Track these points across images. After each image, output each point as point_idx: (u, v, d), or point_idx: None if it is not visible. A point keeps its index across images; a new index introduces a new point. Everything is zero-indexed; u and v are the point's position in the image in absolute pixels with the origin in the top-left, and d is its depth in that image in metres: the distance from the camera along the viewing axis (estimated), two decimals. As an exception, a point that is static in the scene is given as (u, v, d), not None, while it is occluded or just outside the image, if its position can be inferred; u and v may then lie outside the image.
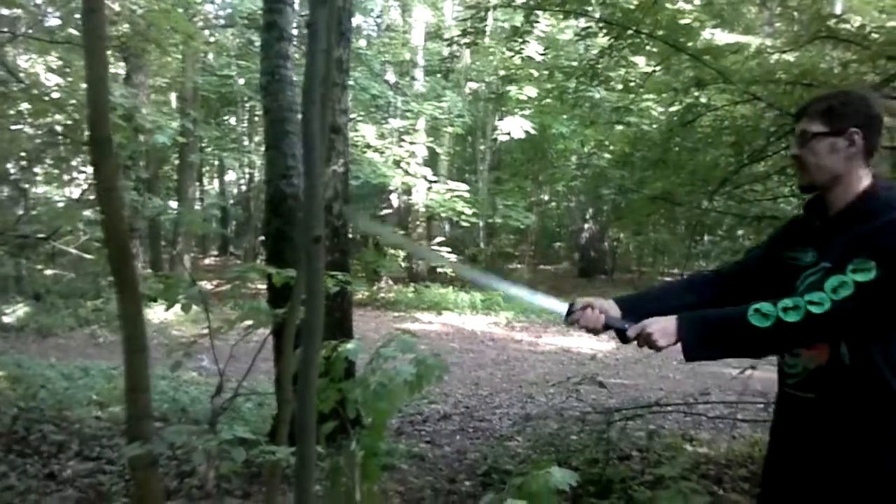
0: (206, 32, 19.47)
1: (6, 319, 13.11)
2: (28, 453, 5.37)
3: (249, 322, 4.13)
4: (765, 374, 6.97)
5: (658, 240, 19.52)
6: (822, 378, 2.12)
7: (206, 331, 4.15)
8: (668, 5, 6.58)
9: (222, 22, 21.35)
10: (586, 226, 24.39)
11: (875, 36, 5.40)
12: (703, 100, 6.72)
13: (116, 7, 9.61)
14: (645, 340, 2.18)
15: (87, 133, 3.20)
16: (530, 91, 17.37)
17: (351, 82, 17.47)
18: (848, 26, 5.77)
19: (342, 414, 3.56)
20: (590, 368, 9.65)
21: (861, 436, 2.07)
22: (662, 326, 2.15)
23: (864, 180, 2.17)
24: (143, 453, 2.99)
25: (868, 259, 1.97)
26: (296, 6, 6.76)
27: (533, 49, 14.13)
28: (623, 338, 2.28)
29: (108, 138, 3.11)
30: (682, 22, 6.60)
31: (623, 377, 10.10)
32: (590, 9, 6.48)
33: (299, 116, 6.55)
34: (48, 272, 15.68)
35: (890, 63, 5.36)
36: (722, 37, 8.33)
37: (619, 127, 10.38)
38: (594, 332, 2.32)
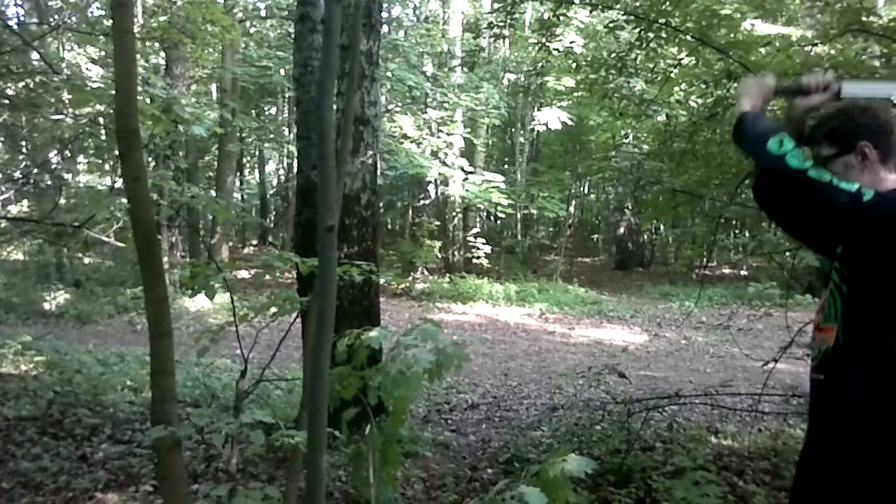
0: (246, 24, 19.67)
1: (47, 306, 13.43)
2: (62, 436, 5.55)
3: (274, 309, 4.24)
4: (791, 366, 6.98)
5: (696, 232, 19.45)
6: (830, 359, 2.19)
7: (232, 319, 4.28)
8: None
9: (262, 13, 21.56)
10: (624, 218, 24.27)
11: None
12: (733, 92, 6.69)
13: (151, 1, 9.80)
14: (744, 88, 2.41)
15: (115, 125, 3.32)
16: (568, 82, 17.33)
17: (389, 74, 17.63)
18: (881, 20, 5.72)
19: (364, 401, 3.65)
20: (621, 360, 9.67)
21: (856, 423, 2.10)
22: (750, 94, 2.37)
23: (890, 182, 2.19)
24: (167, 435, 3.09)
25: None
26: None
27: (571, 40, 14.12)
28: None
29: (135, 130, 3.22)
30: (723, 13, 6.55)
31: (654, 370, 10.10)
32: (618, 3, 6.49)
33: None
34: (87, 260, 16.03)
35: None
36: (763, 28, 8.22)
37: (651, 119, 10.35)
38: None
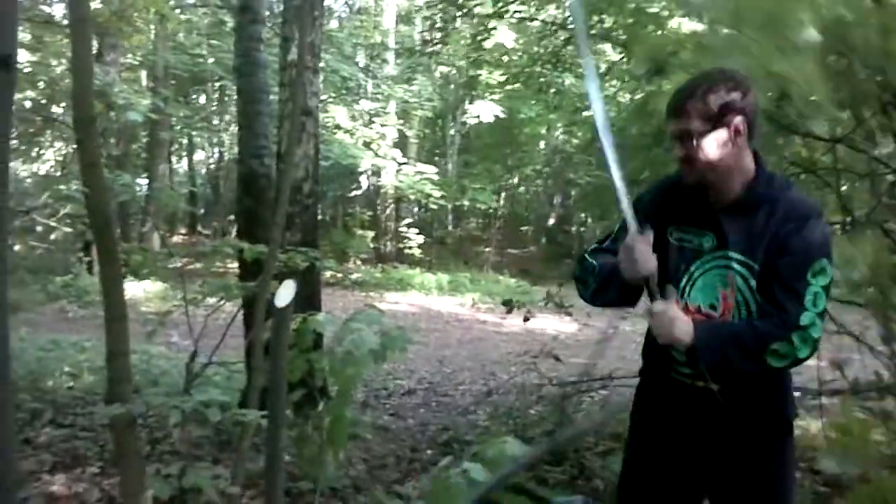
0: (178, 11, 19.40)
1: (-28, 294, 13.08)
2: (3, 420, 5.52)
3: (213, 299, 4.36)
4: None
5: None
6: None
7: (175, 306, 4.37)
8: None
9: (194, 1, 21.28)
10: (553, 210, 24.67)
11: None
12: (665, 87, 6.95)
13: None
14: (668, 322, 2.03)
15: (72, 113, 3.38)
16: (501, 76, 17.56)
17: (323, 64, 17.63)
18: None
19: (310, 383, 3.78)
20: (552, 348, 9.92)
21: (766, 400, 2.19)
22: (684, 321, 2.04)
23: (751, 163, 2.11)
24: (124, 413, 3.17)
25: (820, 259, 2.02)
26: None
27: (504, 35, 14.34)
28: (650, 302, 2.10)
29: (92, 117, 3.29)
30: (651, 12, 6.80)
31: (584, 357, 10.36)
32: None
33: (272, 97, 6.74)
34: (17, 247, 15.64)
35: None
36: (690, 25, 8.49)
37: (581, 113, 10.61)
38: (638, 273, 2.06)
